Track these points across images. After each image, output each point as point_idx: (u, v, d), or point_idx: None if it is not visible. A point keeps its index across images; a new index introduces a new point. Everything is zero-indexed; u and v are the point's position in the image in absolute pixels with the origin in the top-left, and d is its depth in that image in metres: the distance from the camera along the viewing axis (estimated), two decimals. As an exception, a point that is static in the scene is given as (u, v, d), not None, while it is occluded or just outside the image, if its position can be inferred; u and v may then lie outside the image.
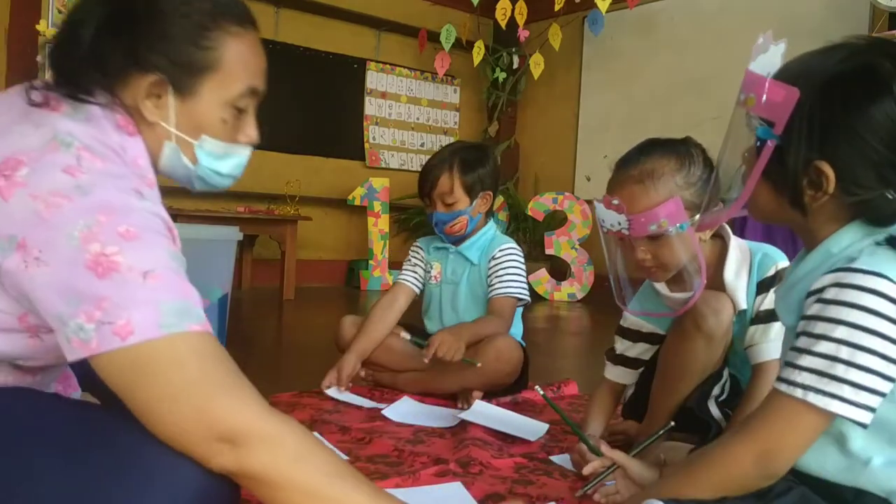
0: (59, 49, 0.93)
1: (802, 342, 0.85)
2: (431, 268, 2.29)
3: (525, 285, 2.19)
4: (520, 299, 2.17)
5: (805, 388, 0.83)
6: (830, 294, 0.83)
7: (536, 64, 5.95)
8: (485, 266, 2.20)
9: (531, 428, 1.81)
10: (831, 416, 0.83)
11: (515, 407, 2.05)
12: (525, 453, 1.63)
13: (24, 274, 0.79)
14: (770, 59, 0.92)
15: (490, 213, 2.28)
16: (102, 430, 0.83)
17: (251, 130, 1.02)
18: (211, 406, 0.79)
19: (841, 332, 0.81)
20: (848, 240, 0.88)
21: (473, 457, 1.53)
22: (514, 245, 2.24)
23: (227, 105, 0.97)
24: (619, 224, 1.36)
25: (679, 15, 5.61)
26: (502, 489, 1.38)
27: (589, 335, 4.14)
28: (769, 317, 1.40)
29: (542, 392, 1.48)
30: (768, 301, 1.40)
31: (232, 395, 0.80)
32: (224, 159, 1.01)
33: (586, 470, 1.21)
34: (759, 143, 0.89)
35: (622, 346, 1.63)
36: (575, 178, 6.29)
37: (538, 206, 5.75)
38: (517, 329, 2.25)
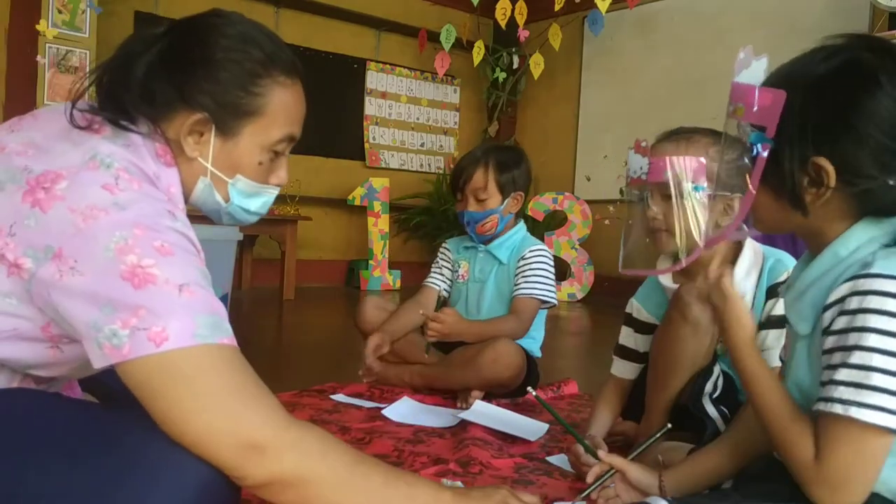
0: (110, 75, 0.95)
1: (837, 357, 0.83)
2: (459, 266, 2.30)
3: (552, 288, 2.18)
4: (544, 301, 2.17)
5: (845, 402, 0.81)
6: (853, 304, 0.82)
7: (536, 64, 5.95)
8: (514, 266, 2.20)
9: (531, 428, 1.81)
10: (883, 430, 0.80)
11: (515, 407, 2.05)
12: (525, 453, 1.63)
13: (59, 283, 0.80)
14: (753, 73, 0.92)
15: (520, 215, 2.29)
16: (105, 430, 0.84)
17: (283, 173, 1.08)
18: (243, 416, 0.81)
19: (873, 339, 0.80)
20: (855, 241, 0.87)
21: (473, 456, 1.53)
22: (545, 247, 2.24)
23: (265, 149, 1.01)
24: (641, 169, 1.40)
25: (679, 15, 5.61)
26: (502, 489, 1.38)
27: (589, 335, 4.14)
28: (782, 322, 1.40)
29: (534, 393, 1.48)
30: (780, 307, 1.40)
31: (261, 406, 0.83)
32: (254, 198, 1.06)
33: (589, 478, 1.21)
34: (753, 151, 0.90)
35: (626, 334, 1.63)
36: (575, 178, 6.29)
37: (538, 206, 5.75)
38: (539, 333, 2.25)
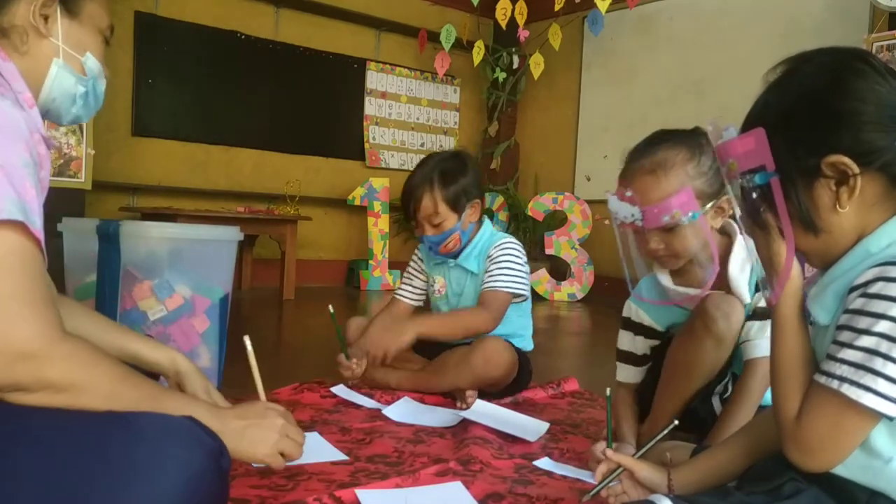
0: None
1: (845, 336, 0.84)
2: (434, 281, 2.24)
3: (520, 279, 2.10)
4: (515, 294, 2.10)
5: (841, 379, 0.83)
6: (875, 288, 0.82)
7: (536, 64, 5.95)
8: (484, 269, 2.15)
9: (532, 427, 1.81)
10: (869, 411, 0.82)
11: (516, 407, 2.05)
12: (525, 454, 1.63)
13: None
14: (727, 135, 0.95)
15: (481, 221, 2.21)
16: (83, 429, 0.84)
17: (106, 67, 1.17)
18: (17, 326, 0.84)
19: (883, 326, 0.81)
20: (887, 238, 0.87)
21: (474, 455, 1.54)
22: (511, 240, 2.17)
23: (101, 32, 1.13)
24: (633, 216, 1.39)
25: (679, 15, 5.61)
26: (502, 489, 1.38)
27: (589, 335, 4.14)
28: (765, 314, 1.40)
29: (607, 393, 1.43)
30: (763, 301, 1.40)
31: (37, 317, 0.85)
32: (100, 81, 1.15)
33: (597, 476, 1.20)
34: (765, 193, 0.90)
35: (626, 339, 1.63)
36: (575, 178, 6.29)
37: (538, 206, 5.76)
38: (527, 331, 2.22)
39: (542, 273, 5.71)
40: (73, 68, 1.08)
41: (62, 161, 4.14)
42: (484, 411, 1.89)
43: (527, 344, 2.22)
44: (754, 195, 0.92)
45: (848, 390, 0.82)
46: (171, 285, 2.01)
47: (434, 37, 6.07)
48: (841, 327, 0.86)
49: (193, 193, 5.16)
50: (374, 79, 6.24)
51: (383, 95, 6.31)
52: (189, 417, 0.90)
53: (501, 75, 6.33)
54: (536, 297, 5.69)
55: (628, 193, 1.39)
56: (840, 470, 0.88)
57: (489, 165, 6.57)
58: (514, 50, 6.23)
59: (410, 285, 2.29)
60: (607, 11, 5.36)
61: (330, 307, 2.02)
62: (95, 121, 4.25)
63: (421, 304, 2.30)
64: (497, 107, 6.51)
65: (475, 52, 6.03)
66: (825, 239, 0.90)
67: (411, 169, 2.21)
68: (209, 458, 0.87)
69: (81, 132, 4.17)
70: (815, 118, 0.88)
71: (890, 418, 0.82)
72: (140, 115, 5.07)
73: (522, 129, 6.75)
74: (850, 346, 0.83)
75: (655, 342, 1.60)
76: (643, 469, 1.14)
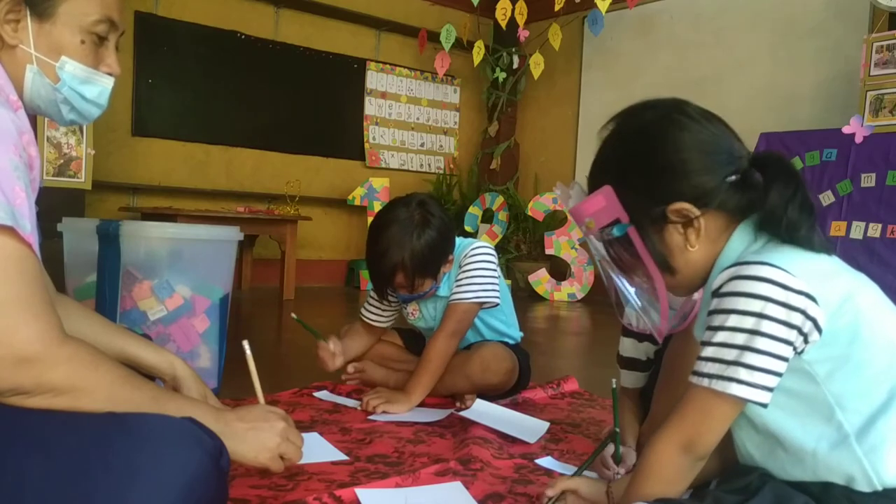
0: None
1: (706, 335, 0.90)
2: (406, 305, 2.13)
3: (489, 286, 2.01)
4: (482, 303, 2.01)
5: (710, 377, 0.88)
6: (727, 287, 0.89)
7: (536, 64, 5.95)
8: (455, 280, 2.06)
9: (532, 427, 1.81)
10: (737, 400, 0.87)
11: (516, 407, 2.05)
12: (525, 454, 1.63)
13: None
14: (577, 197, 1.04)
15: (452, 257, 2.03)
16: (84, 431, 0.85)
17: (112, 61, 1.08)
18: (18, 330, 0.84)
19: (733, 320, 0.87)
20: (734, 252, 0.94)
21: (474, 455, 1.54)
22: (482, 246, 2.06)
23: (85, 31, 1.03)
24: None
25: (678, 15, 5.61)
26: (502, 489, 1.38)
27: (589, 335, 4.14)
28: None
29: (613, 385, 1.39)
30: None
31: (38, 321, 0.86)
32: (87, 84, 1.06)
33: (543, 500, 1.22)
34: (625, 243, 0.98)
35: (628, 345, 1.63)
36: (575, 178, 6.29)
37: (538, 206, 5.76)
38: (513, 326, 2.18)
39: (542, 273, 5.71)
40: (47, 76, 1.02)
41: (62, 161, 4.14)
42: (484, 411, 1.89)
43: (515, 335, 2.18)
44: (616, 246, 1.00)
45: (717, 385, 0.87)
46: (171, 285, 2.01)
47: (434, 37, 6.07)
48: (707, 329, 0.91)
49: (193, 193, 5.16)
50: (374, 79, 6.24)
51: (383, 95, 6.30)
52: (188, 418, 0.90)
53: (501, 75, 6.33)
54: (536, 297, 5.70)
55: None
56: (786, 475, 0.92)
57: (489, 165, 6.57)
58: (514, 50, 6.23)
59: (379, 308, 2.15)
60: (607, 11, 5.36)
61: (293, 314, 2.06)
62: (95, 121, 4.25)
63: (392, 323, 2.21)
64: (497, 107, 6.51)
65: (475, 52, 6.03)
66: (683, 274, 0.98)
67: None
68: (209, 458, 0.87)
69: (81, 132, 4.18)
70: (650, 172, 0.96)
71: (763, 405, 0.87)
72: (140, 115, 5.07)
73: (522, 129, 6.75)
74: (710, 343, 0.89)
75: (658, 346, 1.59)
76: (583, 484, 1.18)
